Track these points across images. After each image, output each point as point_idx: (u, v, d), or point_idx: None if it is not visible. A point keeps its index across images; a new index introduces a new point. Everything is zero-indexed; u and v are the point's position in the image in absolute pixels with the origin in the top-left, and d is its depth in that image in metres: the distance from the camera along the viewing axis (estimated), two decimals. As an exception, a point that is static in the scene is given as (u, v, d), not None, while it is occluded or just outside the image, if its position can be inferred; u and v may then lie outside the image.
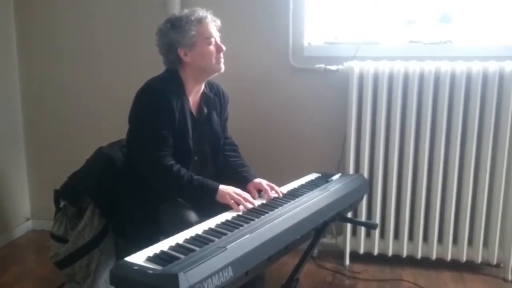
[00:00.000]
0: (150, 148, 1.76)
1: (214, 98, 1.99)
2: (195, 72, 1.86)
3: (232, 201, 1.68)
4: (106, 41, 2.74)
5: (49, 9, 2.77)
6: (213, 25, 1.86)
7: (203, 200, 1.75)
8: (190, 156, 1.86)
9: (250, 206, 1.68)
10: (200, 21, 1.82)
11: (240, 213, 1.61)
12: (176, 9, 2.52)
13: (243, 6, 2.55)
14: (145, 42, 2.65)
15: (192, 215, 1.71)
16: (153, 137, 1.76)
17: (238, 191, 1.74)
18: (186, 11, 1.85)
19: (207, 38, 1.83)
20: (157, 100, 1.77)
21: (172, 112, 1.78)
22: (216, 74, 1.90)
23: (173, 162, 1.77)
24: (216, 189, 1.74)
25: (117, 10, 2.69)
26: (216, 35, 1.87)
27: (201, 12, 1.84)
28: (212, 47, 1.84)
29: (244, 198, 1.70)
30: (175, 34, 1.81)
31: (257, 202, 1.74)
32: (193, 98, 1.92)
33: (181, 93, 1.84)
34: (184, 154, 1.83)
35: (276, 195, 1.83)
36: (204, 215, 1.66)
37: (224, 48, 1.87)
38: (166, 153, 1.77)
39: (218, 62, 1.87)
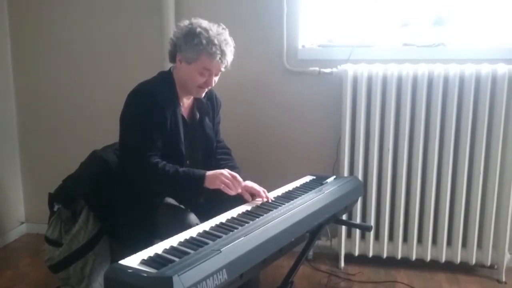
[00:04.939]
0: (137, 149, 1.75)
1: (207, 103, 1.99)
2: (181, 79, 1.86)
3: (223, 185, 1.69)
4: (101, 46, 2.74)
5: (44, 14, 2.76)
6: (220, 65, 1.79)
7: (193, 189, 1.74)
8: (183, 160, 1.86)
9: (237, 191, 1.70)
10: (209, 55, 1.75)
11: (235, 216, 1.61)
12: (170, 15, 2.53)
13: (237, 9, 2.56)
14: (140, 46, 2.68)
15: (192, 218, 1.72)
16: (141, 139, 1.76)
17: (226, 172, 1.74)
18: (211, 32, 1.76)
19: (204, 69, 1.79)
20: (147, 104, 1.77)
21: (163, 117, 1.78)
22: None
23: (158, 160, 1.76)
24: (203, 176, 1.72)
25: (112, 14, 2.70)
26: (215, 71, 1.81)
27: (216, 48, 1.74)
28: (202, 78, 1.80)
29: (232, 182, 1.72)
30: (182, 42, 1.79)
31: (253, 205, 1.73)
32: (185, 103, 1.93)
33: (173, 97, 1.84)
34: (177, 159, 1.83)
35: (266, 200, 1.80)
36: (204, 218, 1.65)
37: (213, 84, 1.85)
38: (152, 153, 1.76)
39: (198, 90, 1.85)
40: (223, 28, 1.82)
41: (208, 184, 1.72)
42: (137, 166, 1.77)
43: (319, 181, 1.99)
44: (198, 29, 1.77)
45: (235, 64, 1.87)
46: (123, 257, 1.23)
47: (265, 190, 1.83)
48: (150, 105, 1.76)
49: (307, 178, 2.09)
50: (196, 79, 1.81)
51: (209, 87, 1.87)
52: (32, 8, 2.77)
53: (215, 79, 1.85)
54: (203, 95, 1.90)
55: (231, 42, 1.82)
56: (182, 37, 1.80)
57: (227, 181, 1.71)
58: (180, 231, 1.46)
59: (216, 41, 1.75)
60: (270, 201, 1.78)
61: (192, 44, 1.76)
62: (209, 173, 1.74)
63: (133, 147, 1.78)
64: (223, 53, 1.77)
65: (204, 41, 1.74)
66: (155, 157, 1.77)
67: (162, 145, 1.80)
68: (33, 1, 2.77)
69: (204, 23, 1.81)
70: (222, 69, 1.84)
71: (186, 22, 1.83)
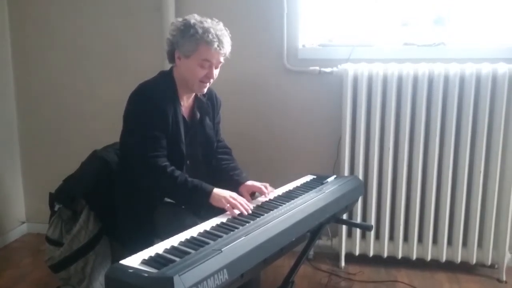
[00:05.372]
0: (143, 149, 1.75)
1: (207, 103, 1.99)
2: (181, 77, 1.86)
3: (228, 205, 1.67)
4: (101, 46, 2.74)
5: (44, 14, 2.76)
6: (219, 53, 1.78)
7: (196, 202, 1.74)
8: (183, 160, 1.86)
9: (246, 212, 1.65)
10: (207, 43, 1.75)
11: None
12: (170, 15, 2.53)
13: (237, 9, 2.56)
14: (140, 46, 2.68)
15: (192, 218, 1.71)
16: (146, 138, 1.76)
17: (235, 195, 1.73)
18: (206, 23, 1.77)
19: (203, 60, 1.78)
20: (149, 105, 1.77)
21: (165, 117, 1.78)
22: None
23: (167, 163, 1.77)
24: (210, 192, 1.72)
25: (112, 15, 2.69)
26: (215, 62, 1.80)
27: (213, 36, 1.75)
28: (203, 70, 1.80)
29: (240, 203, 1.69)
30: (179, 37, 1.79)
31: (252, 205, 1.73)
32: (185, 102, 1.92)
33: (174, 98, 1.84)
34: (177, 159, 1.83)
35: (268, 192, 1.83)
36: (202, 218, 1.65)
37: (215, 77, 1.84)
38: (159, 153, 1.77)
39: (200, 85, 1.84)
40: (217, 22, 1.83)
41: (213, 201, 1.71)
42: (143, 166, 1.76)
43: (319, 181, 1.99)
44: (193, 21, 1.78)
45: (235, 64, 1.88)
46: (124, 257, 1.23)
47: (267, 185, 1.86)
48: (152, 106, 1.77)
49: (308, 178, 2.09)
50: (197, 72, 1.80)
51: (211, 81, 1.85)
52: (32, 8, 2.77)
53: (216, 72, 1.84)
54: (205, 90, 1.89)
55: (226, 33, 1.82)
56: (178, 32, 1.80)
57: (233, 202, 1.68)
58: (179, 230, 1.46)
59: (212, 30, 1.76)
60: (269, 193, 1.81)
61: (189, 35, 1.76)
62: (216, 191, 1.73)
63: (138, 147, 1.77)
64: (220, 41, 1.77)
65: (200, 30, 1.75)
66: (162, 158, 1.77)
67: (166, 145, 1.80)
68: (33, 1, 2.76)
69: (198, 17, 1.82)
70: (221, 60, 1.83)
71: (180, 19, 1.85)
